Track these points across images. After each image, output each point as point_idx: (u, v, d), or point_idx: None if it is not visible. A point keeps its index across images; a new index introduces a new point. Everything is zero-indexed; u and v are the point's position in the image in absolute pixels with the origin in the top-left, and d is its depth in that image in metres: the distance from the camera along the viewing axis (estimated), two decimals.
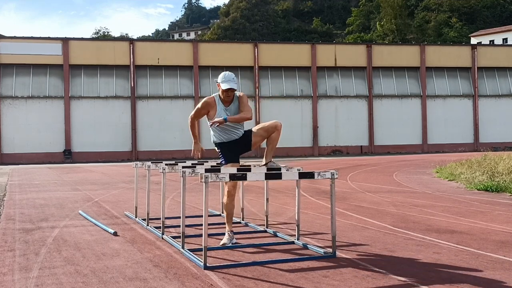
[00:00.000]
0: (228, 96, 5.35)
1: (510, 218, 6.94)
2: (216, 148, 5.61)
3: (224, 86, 5.28)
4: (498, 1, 77.68)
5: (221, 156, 5.59)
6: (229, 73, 5.35)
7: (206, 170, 4.86)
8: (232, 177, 4.43)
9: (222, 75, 5.35)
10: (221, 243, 5.29)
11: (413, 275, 4.02)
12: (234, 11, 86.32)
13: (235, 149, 5.50)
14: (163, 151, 36.11)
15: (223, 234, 5.97)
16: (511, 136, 42.24)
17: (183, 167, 5.85)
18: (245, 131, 5.54)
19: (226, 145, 5.48)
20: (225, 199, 5.41)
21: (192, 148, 5.78)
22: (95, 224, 6.80)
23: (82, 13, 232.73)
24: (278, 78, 39.36)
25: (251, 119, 5.46)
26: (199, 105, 5.48)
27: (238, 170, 5.40)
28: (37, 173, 20.33)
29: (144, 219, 6.81)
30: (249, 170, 5.23)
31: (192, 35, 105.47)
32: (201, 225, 4.89)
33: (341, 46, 42.43)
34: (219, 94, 5.42)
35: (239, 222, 6.85)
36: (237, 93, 5.47)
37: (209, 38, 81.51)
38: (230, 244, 5.27)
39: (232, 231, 5.43)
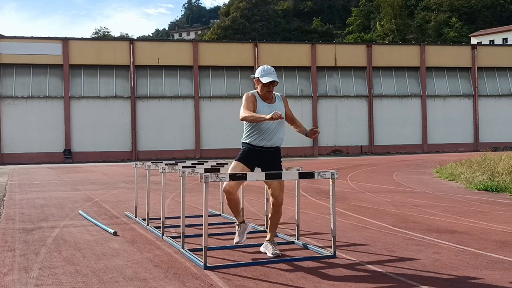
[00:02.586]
0: (269, 91, 4.83)
1: (510, 218, 6.94)
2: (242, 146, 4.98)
3: (265, 80, 4.77)
4: (498, 1, 77.67)
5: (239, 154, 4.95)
6: (268, 66, 4.91)
7: (206, 170, 4.86)
8: (232, 177, 4.42)
9: (260, 69, 4.88)
10: (234, 241, 4.99)
11: (413, 275, 4.02)
12: (234, 11, 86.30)
13: (260, 159, 4.81)
14: (163, 151, 36.11)
15: (223, 234, 5.98)
16: (511, 136, 42.24)
17: (183, 167, 5.85)
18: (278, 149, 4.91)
19: (257, 151, 4.80)
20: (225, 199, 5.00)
21: (271, 115, 4.51)
22: (95, 224, 6.80)
23: (83, 13, 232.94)
24: (278, 78, 39.32)
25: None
26: (244, 102, 4.80)
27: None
28: (37, 173, 20.33)
29: (144, 219, 6.81)
30: None
31: (192, 35, 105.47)
32: (201, 225, 4.89)
33: (341, 46, 42.43)
34: (257, 91, 4.89)
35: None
36: (278, 94, 5.02)
37: (209, 38, 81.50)
38: (244, 238, 4.98)
39: (243, 221, 5.02)
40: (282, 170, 4.82)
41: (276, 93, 4.98)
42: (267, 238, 4.92)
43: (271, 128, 4.76)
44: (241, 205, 5.23)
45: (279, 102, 4.94)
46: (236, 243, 4.99)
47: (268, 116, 4.48)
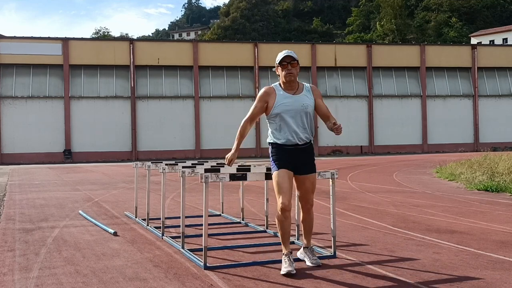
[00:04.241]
0: (290, 73, 4.23)
1: (510, 218, 6.93)
2: (270, 149, 4.43)
3: (280, 56, 4.26)
4: (498, 1, 77.68)
5: (272, 161, 4.37)
6: (286, 50, 4.36)
7: (206, 170, 4.86)
8: (232, 177, 4.42)
9: (279, 54, 4.35)
10: (283, 272, 4.09)
11: (413, 275, 4.02)
12: (234, 11, 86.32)
13: (295, 158, 4.29)
14: (163, 151, 36.11)
15: (223, 234, 5.98)
16: (511, 136, 42.24)
17: (183, 167, 5.85)
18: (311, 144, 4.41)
19: (286, 149, 4.29)
20: (278, 215, 4.30)
21: (229, 155, 4.39)
22: (95, 224, 6.80)
23: (83, 13, 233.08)
24: (278, 78, 39.34)
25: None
26: (255, 100, 4.41)
27: (238, 170, 5.39)
28: (37, 173, 20.33)
29: (144, 219, 6.81)
30: (249, 170, 5.23)
31: (192, 35, 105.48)
32: (201, 225, 4.89)
33: (341, 46, 42.44)
34: (279, 83, 4.41)
35: (239, 222, 6.85)
36: (308, 85, 4.46)
37: (209, 38, 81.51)
38: (294, 271, 4.10)
39: (290, 252, 4.25)
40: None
41: (307, 84, 4.47)
42: (304, 245, 4.52)
43: (295, 124, 4.28)
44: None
45: (306, 93, 4.35)
46: (286, 273, 4.10)
47: (231, 153, 4.36)
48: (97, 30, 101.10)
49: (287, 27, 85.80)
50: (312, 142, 4.40)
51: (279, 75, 4.35)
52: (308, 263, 4.41)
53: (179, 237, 5.29)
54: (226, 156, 4.40)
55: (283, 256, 4.19)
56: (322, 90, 39.86)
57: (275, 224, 6.29)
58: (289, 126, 4.24)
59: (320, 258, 4.66)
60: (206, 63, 37.93)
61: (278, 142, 4.26)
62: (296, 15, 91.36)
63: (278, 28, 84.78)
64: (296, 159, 4.26)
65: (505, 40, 64.53)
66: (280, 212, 4.21)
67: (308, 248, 4.50)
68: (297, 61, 4.28)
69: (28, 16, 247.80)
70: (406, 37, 70.78)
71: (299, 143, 4.26)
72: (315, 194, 10.12)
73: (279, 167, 4.24)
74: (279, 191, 4.21)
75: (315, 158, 4.45)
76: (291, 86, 4.32)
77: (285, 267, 4.09)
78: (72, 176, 18.08)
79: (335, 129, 4.24)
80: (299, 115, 4.26)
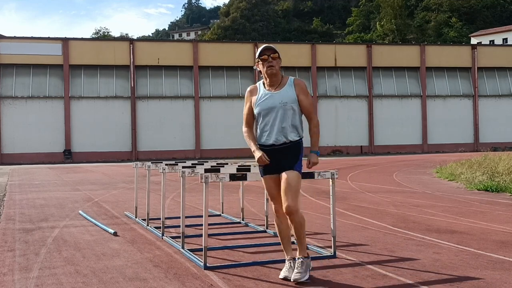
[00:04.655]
0: (271, 65, 3.95)
1: (510, 218, 6.93)
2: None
3: (259, 51, 4.00)
4: (498, 1, 77.69)
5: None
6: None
7: (206, 170, 4.87)
8: (232, 177, 4.42)
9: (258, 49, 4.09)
10: (280, 276, 3.99)
11: (413, 275, 4.02)
12: (234, 11, 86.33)
13: (273, 159, 4.00)
14: (163, 151, 36.11)
15: (223, 234, 5.98)
16: (511, 136, 42.25)
17: (183, 167, 5.85)
18: (293, 143, 4.03)
19: (266, 151, 4.04)
20: (275, 218, 4.17)
21: (257, 155, 4.02)
22: (95, 224, 6.80)
23: (83, 13, 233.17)
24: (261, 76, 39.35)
25: (319, 126, 4.18)
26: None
27: (238, 170, 5.39)
28: (37, 173, 20.33)
29: (144, 219, 6.81)
30: (249, 170, 5.23)
31: (192, 35, 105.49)
32: (201, 225, 4.89)
33: (341, 46, 42.44)
34: (262, 81, 4.16)
35: (239, 222, 6.85)
36: (292, 78, 4.11)
37: (209, 38, 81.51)
38: (303, 278, 3.87)
39: (293, 258, 4.02)
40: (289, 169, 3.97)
41: (291, 77, 4.11)
42: (288, 257, 4.09)
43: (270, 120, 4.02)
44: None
45: (288, 88, 4.00)
46: (283, 277, 3.95)
47: (255, 154, 3.99)
48: (97, 30, 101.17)
49: (287, 27, 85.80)
50: (297, 141, 4.03)
51: (260, 71, 4.08)
52: (290, 277, 3.89)
53: (179, 237, 5.29)
54: (256, 157, 4.01)
55: (286, 260, 4.07)
56: (322, 90, 39.87)
57: (274, 224, 6.30)
58: (267, 125, 3.99)
59: (320, 258, 4.65)
60: (206, 63, 37.93)
61: (260, 142, 4.05)
62: (296, 15, 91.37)
63: (278, 28, 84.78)
64: (274, 160, 3.97)
65: (505, 40, 64.54)
66: (275, 216, 4.14)
67: (294, 259, 4.00)
68: (278, 53, 3.99)
69: (28, 16, 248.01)
70: (406, 37, 70.79)
71: (275, 144, 3.97)
72: (315, 194, 10.08)
73: (262, 173, 4.09)
74: (269, 197, 4.16)
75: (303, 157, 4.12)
76: (272, 81, 4.03)
77: (283, 271, 4.00)
78: (72, 176, 18.08)
79: (308, 167, 4.08)
80: (278, 113, 3.96)
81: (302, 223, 3.95)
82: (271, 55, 3.96)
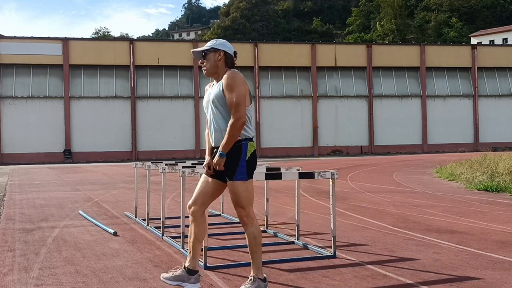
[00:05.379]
0: (204, 69, 3.69)
1: (510, 218, 6.93)
2: None
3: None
4: (498, 1, 77.71)
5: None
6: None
7: None
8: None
9: None
10: (162, 277, 3.75)
11: (413, 275, 4.02)
12: (234, 11, 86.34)
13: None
14: (163, 151, 36.12)
15: (223, 234, 5.98)
16: (511, 136, 42.26)
17: (183, 167, 5.85)
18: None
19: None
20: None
21: (204, 163, 3.79)
22: (95, 224, 6.80)
23: (83, 13, 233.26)
24: (278, 78, 39.38)
25: (238, 127, 3.45)
26: None
27: None
28: (37, 173, 20.33)
29: (144, 219, 6.81)
30: None
31: (192, 35, 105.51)
32: None
33: (341, 46, 42.44)
34: None
35: (239, 222, 6.84)
36: (230, 70, 3.59)
37: (209, 38, 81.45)
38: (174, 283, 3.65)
39: (185, 268, 3.70)
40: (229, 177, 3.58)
41: (229, 71, 3.58)
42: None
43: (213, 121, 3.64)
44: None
45: (219, 84, 3.60)
46: (164, 277, 3.73)
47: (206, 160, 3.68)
48: (97, 30, 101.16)
49: (287, 27, 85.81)
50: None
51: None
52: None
53: (179, 237, 5.29)
54: (204, 163, 3.74)
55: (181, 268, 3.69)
56: (322, 90, 39.88)
57: (275, 224, 6.30)
58: (210, 125, 3.67)
59: (320, 258, 4.66)
60: None
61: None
62: (296, 15, 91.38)
63: (278, 28, 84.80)
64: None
65: (505, 40, 64.55)
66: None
67: (249, 279, 3.54)
68: (205, 51, 3.64)
69: (28, 16, 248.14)
70: (406, 37, 70.80)
71: (213, 145, 3.65)
72: (315, 194, 10.08)
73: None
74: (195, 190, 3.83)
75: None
76: (215, 79, 3.70)
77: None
78: (72, 176, 18.08)
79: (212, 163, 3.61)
80: (209, 112, 3.64)
81: (256, 236, 3.59)
82: (200, 60, 3.71)
